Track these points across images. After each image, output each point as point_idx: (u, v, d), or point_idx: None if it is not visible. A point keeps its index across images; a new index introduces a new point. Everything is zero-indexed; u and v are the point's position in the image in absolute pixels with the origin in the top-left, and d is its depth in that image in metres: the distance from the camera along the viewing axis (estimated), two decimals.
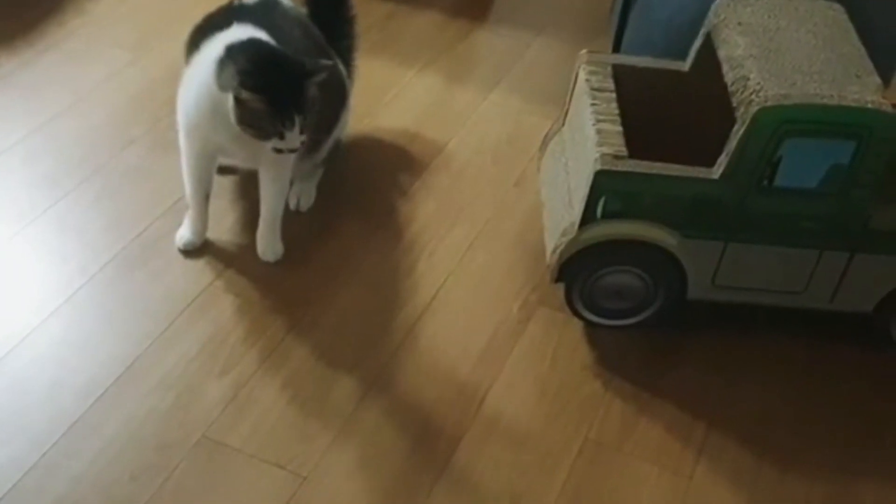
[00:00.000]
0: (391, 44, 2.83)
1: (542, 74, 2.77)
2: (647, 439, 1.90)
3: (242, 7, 2.12)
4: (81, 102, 2.50)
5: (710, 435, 1.91)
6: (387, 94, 2.64)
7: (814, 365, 2.07)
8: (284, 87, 1.89)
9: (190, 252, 2.14)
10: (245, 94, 1.86)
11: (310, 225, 2.23)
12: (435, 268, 2.19)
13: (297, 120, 1.89)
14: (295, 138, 1.91)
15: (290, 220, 2.20)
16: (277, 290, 2.09)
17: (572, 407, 1.94)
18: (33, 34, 2.68)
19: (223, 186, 2.29)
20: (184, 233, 2.15)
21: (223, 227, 2.20)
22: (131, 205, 2.24)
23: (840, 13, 2.02)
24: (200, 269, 2.11)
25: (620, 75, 2.09)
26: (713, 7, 2.04)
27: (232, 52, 1.93)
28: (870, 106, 1.79)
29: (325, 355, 1.98)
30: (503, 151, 2.51)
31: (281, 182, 2.11)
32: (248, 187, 2.26)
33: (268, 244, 2.15)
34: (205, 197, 2.12)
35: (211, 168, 2.11)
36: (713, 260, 1.94)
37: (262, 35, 1.99)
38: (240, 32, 1.99)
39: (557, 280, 2.01)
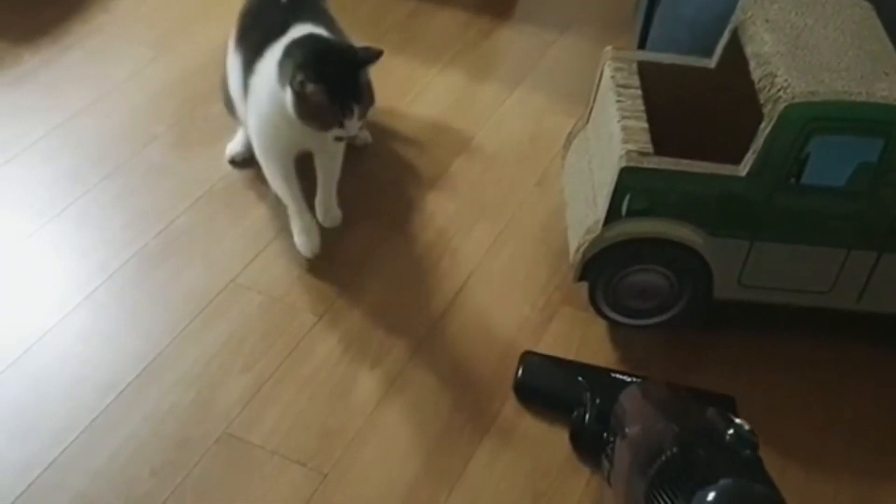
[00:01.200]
0: (414, 42, 2.81)
1: (566, 72, 2.75)
2: None
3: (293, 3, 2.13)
4: (103, 100, 2.49)
5: None
6: (409, 93, 2.62)
7: (840, 365, 2.04)
8: (342, 77, 1.94)
9: (310, 259, 2.13)
10: (308, 88, 1.90)
11: None
12: (457, 266, 2.17)
13: (356, 109, 1.94)
14: (354, 126, 1.96)
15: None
16: (299, 287, 2.08)
17: None
18: (57, 31, 2.67)
19: (247, 181, 2.29)
20: (302, 240, 2.13)
21: (244, 224, 2.20)
22: (152, 202, 2.23)
23: (868, 10, 2.00)
24: (222, 266, 2.10)
25: (646, 72, 2.07)
26: (740, 3, 2.03)
27: (290, 50, 1.98)
28: None
29: (347, 352, 1.96)
30: (526, 150, 2.49)
31: (338, 157, 2.16)
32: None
33: (327, 210, 2.18)
34: (299, 191, 2.13)
35: (293, 167, 2.13)
36: (739, 259, 1.92)
37: (320, 31, 2.04)
38: (298, 31, 2.03)
39: (581, 279, 1.99)
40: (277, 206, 2.18)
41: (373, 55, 1.97)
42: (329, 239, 2.18)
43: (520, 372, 1.94)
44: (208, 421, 1.81)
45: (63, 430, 1.78)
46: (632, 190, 1.87)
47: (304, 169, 2.16)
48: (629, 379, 1.88)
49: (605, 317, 2.04)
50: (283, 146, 2.10)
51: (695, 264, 1.94)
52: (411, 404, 1.89)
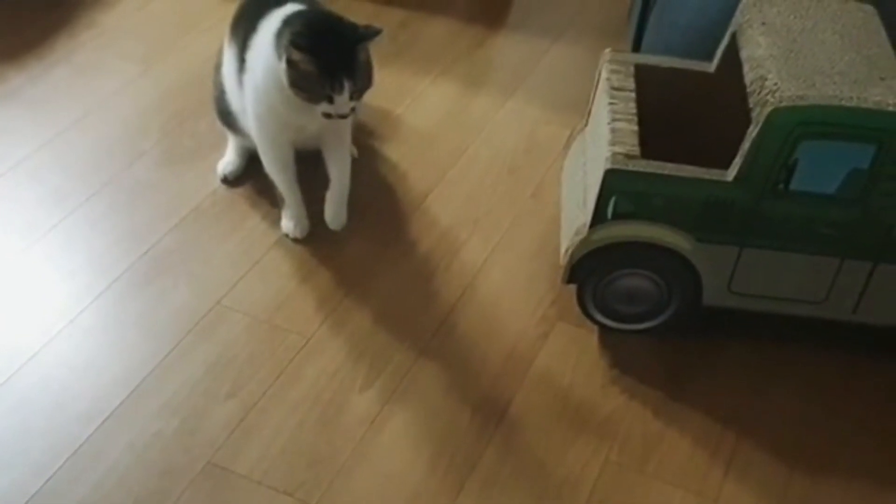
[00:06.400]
0: (405, 52, 2.78)
1: (560, 81, 2.71)
2: (670, 459, 1.83)
3: None
4: (90, 116, 2.46)
5: (738, 449, 1.85)
6: (401, 103, 2.59)
7: (842, 371, 2.01)
8: (335, 50, 1.92)
9: (298, 239, 2.18)
10: (295, 55, 1.89)
11: (320, 238, 2.19)
12: (451, 282, 2.13)
13: (347, 85, 1.91)
14: (344, 104, 1.94)
15: None
16: (287, 308, 2.04)
17: (592, 426, 1.88)
18: (42, 48, 2.64)
19: (235, 198, 2.25)
20: (289, 224, 2.17)
21: (231, 243, 2.16)
22: (139, 220, 2.20)
23: (871, 14, 1.95)
24: (208, 288, 2.06)
25: (645, 75, 2.04)
26: (740, 7, 1.98)
27: (288, 21, 1.97)
28: (891, 108, 1.72)
29: (336, 375, 1.92)
30: (520, 161, 2.45)
31: (345, 153, 2.17)
32: (260, 200, 2.22)
33: (336, 213, 2.17)
34: (295, 180, 2.15)
35: (291, 153, 2.13)
36: (728, 265, 1.88)
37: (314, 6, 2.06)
38: (292, 7, 2.03)
39: (569, 281, 1.96)
40: (263, 223, 2.17)
41: (371, 32, 1.95)
42: (318, 256, 2.14)
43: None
44: (193, 450, 1.77)
45: (46, 459, 1.74)
46: (617, 192, 1.84)
47: (306, 176, 2.16)
48: None
49: (594, 321, 2.01)
50: (279, 125, 2.07)
51: (683, 270, 1.90)
52: (402, 429, 1.85)
